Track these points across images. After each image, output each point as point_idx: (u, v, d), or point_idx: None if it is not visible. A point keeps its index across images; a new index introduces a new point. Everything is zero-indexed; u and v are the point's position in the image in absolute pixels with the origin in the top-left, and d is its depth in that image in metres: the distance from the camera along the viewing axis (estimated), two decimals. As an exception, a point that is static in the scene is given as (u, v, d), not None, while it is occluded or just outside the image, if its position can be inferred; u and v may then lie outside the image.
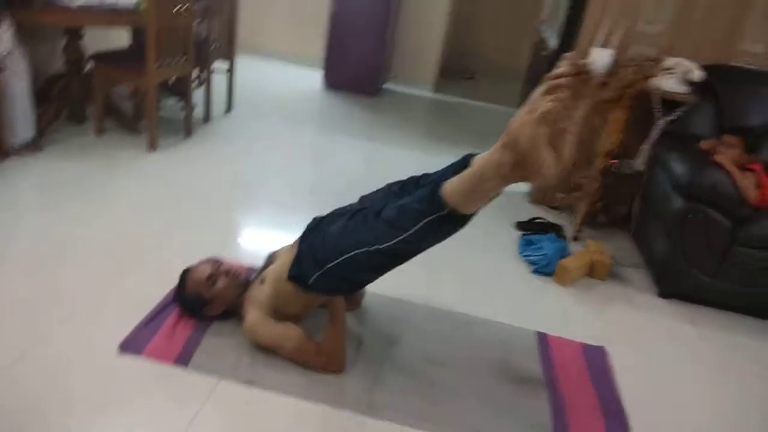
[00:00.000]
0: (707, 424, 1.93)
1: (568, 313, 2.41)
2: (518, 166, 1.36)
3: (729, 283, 2.48)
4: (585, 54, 2.96)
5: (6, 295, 1.95)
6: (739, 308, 2.58)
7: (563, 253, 2.74)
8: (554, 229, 3.03)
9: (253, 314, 1.84)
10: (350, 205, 1.86)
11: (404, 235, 1.54)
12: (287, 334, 1.81)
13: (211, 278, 1.90)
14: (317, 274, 1.70)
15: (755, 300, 2.52)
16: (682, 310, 2.57)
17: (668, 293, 2.63)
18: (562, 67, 1.33)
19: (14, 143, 2.85)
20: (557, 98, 1.31)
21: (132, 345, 1.80)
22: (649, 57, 2.86)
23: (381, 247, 1.57)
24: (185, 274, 1.94)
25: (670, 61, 2.67)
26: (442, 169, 1.57)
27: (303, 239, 1.83)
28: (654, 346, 2.30)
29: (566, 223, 3.16)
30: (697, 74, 2.63)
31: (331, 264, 1.66)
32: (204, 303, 1.90)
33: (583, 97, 1.40)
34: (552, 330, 2.24)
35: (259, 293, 1.88)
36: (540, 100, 1.33)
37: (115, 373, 1.70)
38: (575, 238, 3.03)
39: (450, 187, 1.49)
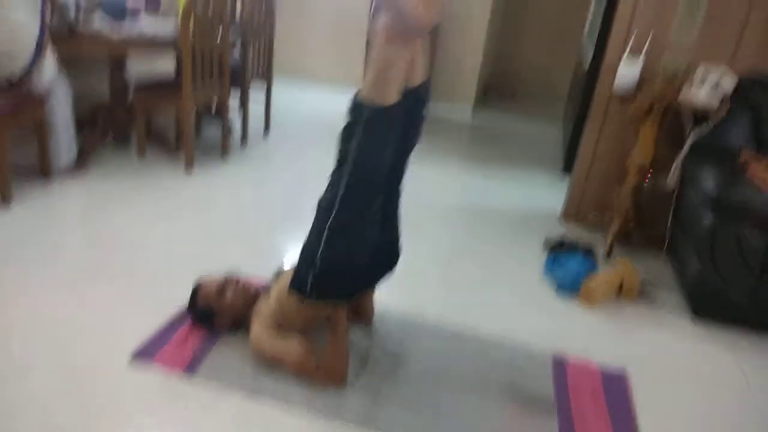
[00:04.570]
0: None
1: (591, 335, 2.32)
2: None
3: (768, 305, 2.33)
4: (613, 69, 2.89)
5: (36, 306, 2.08)
6: (782, 332, 2.41)
7: (591, 273, 2.65)
8: (583, 248, 2.94)
9: (257, 328, 1.88)
10: None
11: (348, 177, 1.65)
12: (289, 348, 1.83)
13: (221, 291, 1.96)
14: (311, 275, 1.73)
15: (799, 323, 2.35)
16: (717, 334, 2.42)
17: (702, 316, 2.48)
18: None
19: (59, 165, 3.05)
20: None
21: (144, 353, 1.87)
22: (678, 68, 2.76)
23: (336, 212, 1.68)
24: (197, 286, 2.01)
25: (699, 71, 2.57)
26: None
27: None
28: (683, 373, 2.16)
29: (599, 242, 3.06)
30: (728, 81, 2.51)
31: (318, 255, 1.71)
32: (213, 314, 1.96)
33: None
34: (572, 352, 2.16)
35: (265, 307, 1.92)
36: None
37: (126, 381, 1.77)
38: (607, 257, 2.93)
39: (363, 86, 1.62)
